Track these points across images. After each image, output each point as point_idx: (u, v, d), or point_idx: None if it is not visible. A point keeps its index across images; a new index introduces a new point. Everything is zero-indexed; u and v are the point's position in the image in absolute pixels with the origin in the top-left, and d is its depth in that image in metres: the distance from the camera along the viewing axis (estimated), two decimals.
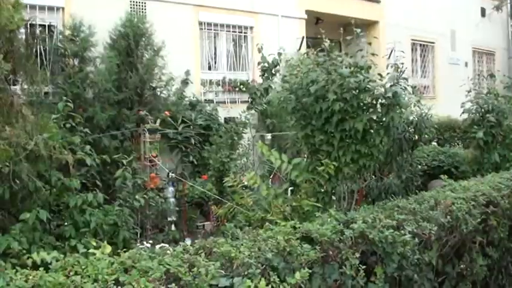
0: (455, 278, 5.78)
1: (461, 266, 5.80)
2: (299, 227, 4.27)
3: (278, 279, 3.61)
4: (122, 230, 4.65)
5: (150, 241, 7.25)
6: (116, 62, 10.47)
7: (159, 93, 11.37)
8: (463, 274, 5.85)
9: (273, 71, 12.91)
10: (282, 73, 12.83)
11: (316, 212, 5.52)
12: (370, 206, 5.57)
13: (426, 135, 9.19)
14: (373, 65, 5.74)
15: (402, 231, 4.72)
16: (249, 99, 12.89)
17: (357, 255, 4.37)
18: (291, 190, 10.80)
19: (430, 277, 5.36)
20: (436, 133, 12.72)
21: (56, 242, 4.42)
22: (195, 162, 11.60)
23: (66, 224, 4.49)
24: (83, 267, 3.18)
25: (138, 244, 7.44)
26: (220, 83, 13.29)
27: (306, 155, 8.12)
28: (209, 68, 13.45)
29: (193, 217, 10.83)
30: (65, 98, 9.68)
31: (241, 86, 13.35)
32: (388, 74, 5.83)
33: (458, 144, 15.14)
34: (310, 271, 3.83)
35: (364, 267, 4.38)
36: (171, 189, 9.92)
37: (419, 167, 9.73)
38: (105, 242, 4.03)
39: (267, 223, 5.38)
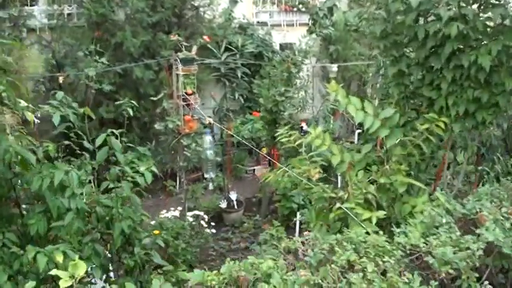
0: None
1: None
2: (403, 240, 2.51)
3: None
4: (117, 219, 3.05)
5: (179, 207, 5.74)
6: None
7: (202, 13, 9.54)
8: None
9: None
10: None
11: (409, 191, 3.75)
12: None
13: None
14: None
15: None
16: (310, 22, 10.77)
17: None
18: (358, 134, 8.99)
19: None
20: None
21: (18, 240, 2.91)
22: (242, 99, 9.90)
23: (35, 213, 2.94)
24: None
25: (163, 211, 5.97)
26: (276, 1, 11.21)
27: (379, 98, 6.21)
28: None
29: (239, 166, 9.24)
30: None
31: (300, 6, 11.19)
32: None
33: None
34: None
35: None
36: (208, 138, 8.22)
37: None
38: (77, 255, 2.47)
39: (337, 204, 3.67)
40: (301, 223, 7.15)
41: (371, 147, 3.90)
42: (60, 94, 3.31)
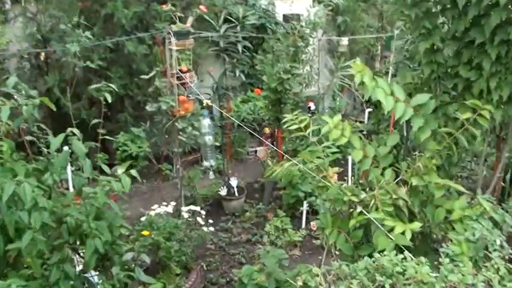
0: None
1: None
2: (455, 278, 1.91)
3: None
4: (90, 235, 2.44)
5: (173, 202, 5.15)
6: None
7: None
8: None
9: None
10: None
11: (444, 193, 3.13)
12: None
13: None
14: None
15: None
16: None
17: None
18: (369, 113, 8.35)
19: None
20: None
21: None
22: (243, 76, 9.22)
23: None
24: None
25: (155, 206, 5.39)
26: None
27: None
28: None
29: (240, 150, 8.63)
30: None
31: None
32: None
33: None
34: None
35: None
36: (206, 122, 7.54)
37: None
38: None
39: (358, 208, 3.07)
40: (308, 213, 6.61)
41: (400, 138, 3.28)
42: (13, 80, 2.66)
